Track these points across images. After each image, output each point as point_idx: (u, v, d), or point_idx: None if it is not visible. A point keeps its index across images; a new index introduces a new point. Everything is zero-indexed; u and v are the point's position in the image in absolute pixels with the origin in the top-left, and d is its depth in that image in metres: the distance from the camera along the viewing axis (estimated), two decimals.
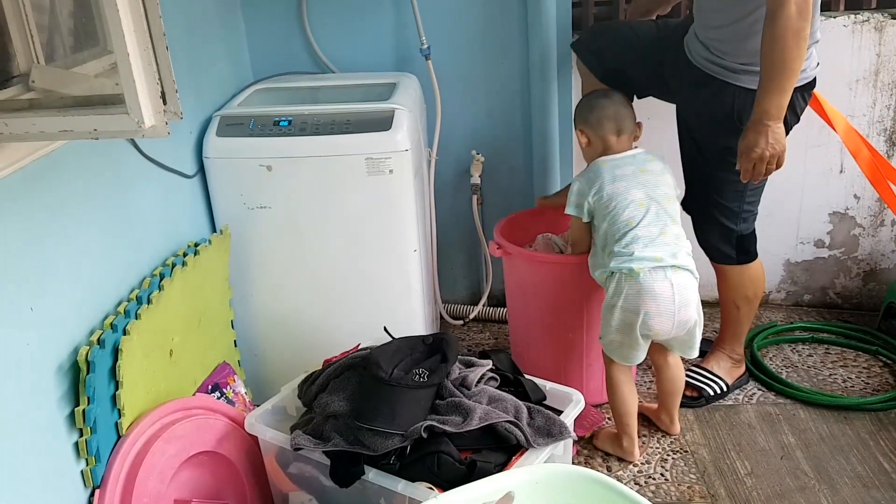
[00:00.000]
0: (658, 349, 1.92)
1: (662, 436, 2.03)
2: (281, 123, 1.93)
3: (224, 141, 1.92)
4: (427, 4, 2.32)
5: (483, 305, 2.64)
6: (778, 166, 1.79)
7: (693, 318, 1.81)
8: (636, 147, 1.96)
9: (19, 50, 1.37)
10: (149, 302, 1.57)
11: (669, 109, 2.09)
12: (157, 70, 1.05)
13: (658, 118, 2.16)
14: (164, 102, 1.07)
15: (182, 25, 1.89)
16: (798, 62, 1.68)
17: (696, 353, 1.89)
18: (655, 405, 2.06)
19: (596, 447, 2.00)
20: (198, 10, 2.04)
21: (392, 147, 1.91)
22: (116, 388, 1.46)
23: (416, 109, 2.09)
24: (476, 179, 2.50)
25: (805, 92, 1.89)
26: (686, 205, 2.06)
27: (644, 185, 1.85)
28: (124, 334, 1.47)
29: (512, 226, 2.24)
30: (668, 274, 1.76)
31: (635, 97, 2.12)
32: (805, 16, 1.64)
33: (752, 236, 2.05)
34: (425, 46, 2.33)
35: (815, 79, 1.90)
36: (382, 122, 1.92)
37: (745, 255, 2.05)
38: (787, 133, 1.82)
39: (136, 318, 1.52)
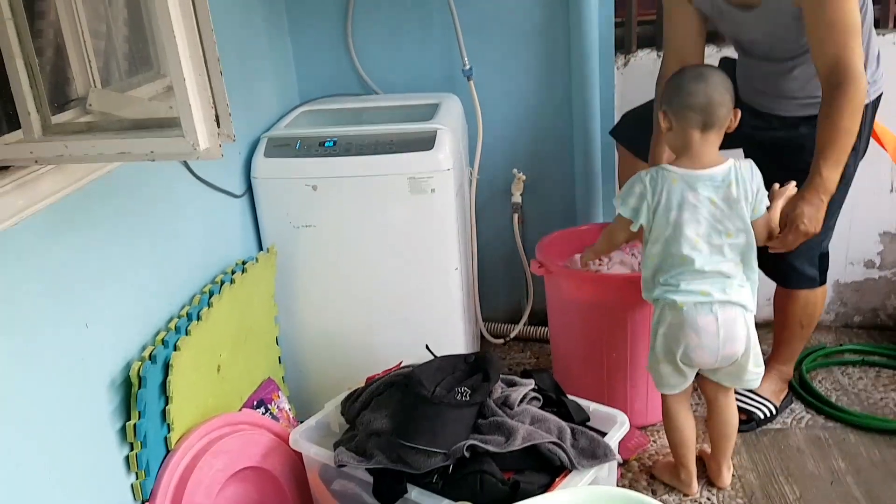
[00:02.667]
0: (709, 384, 1.82)
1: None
2: (326, 144, 1.97)
3: (271, 162, 1.96)
4: (469, 27, 2.35)
5: (524, 324, 2.63)
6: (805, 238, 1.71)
7: (739, 351, 1.71)
8: (723, 156, 1.73)
9: (77, 74, 1.42)
10: (198, 318, 1.61)
11: None
12: (211, 94, 1.08)
13: None
14: (218, 125, 1.10)
15: (233, 49, 1.95)
16: (855, 135, 1.65)
17: (748, 385, 1.79)
18: (710, 450, 1.95)
19: (652, 476, 1.96)
20: (248, 34, 2.10)
21: (434, 166, 1.93)
22: (166, 403, 1.49)
23: (458, 129, 2.11)
24: (517, 198, 2.50)
25: (875, 105, 1.87)
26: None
27: (712, 219, 1.68)
28: (175, 350, 1.50)
29: (554, 244, 2.23)
30: (714, 309, 1.67)
31: None
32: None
33: (828, 253, 2.02)
34: (467, 67, 2.35)
35: (882, 92, 1.88)
36: (425, 142, 1.94)
37: (825, 273, 2.02)
38: (865, 150, 1.84)
39: (187, 334, 1.55)
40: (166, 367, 1.48)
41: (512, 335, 2.63)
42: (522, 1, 2.35)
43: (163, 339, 1.51)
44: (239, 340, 1.79)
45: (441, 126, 1.99)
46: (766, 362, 2.16)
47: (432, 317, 2.05)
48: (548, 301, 2.25)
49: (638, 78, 2.36)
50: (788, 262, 1.98)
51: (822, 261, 2.01)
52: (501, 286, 2.69)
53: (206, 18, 1.08)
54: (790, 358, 2.14)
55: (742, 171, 1.69)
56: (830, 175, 1.66)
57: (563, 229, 2.32)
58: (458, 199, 2.05)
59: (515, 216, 2.52)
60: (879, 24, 2.34)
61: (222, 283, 1.75)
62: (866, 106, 1.77)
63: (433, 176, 1.93)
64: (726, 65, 2.05)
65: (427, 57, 2.43)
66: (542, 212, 2.54)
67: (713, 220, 1.69)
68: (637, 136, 2.04)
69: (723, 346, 1.69)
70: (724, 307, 1.68)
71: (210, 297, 1.68)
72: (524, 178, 2.48)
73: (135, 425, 1.41)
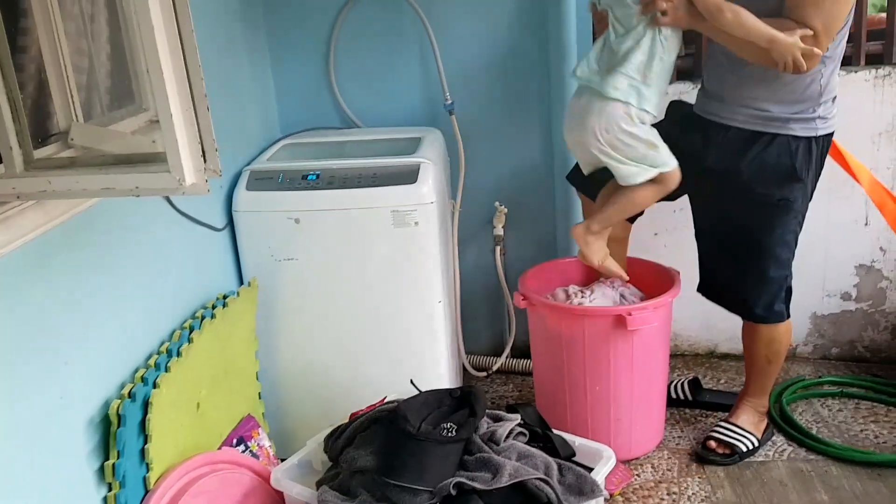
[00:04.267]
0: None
1: (694, 493, 1.98)
2: (309, 177, 1.96)
3: (253, 195, 1.95)
4: (450, 61, 2.38)
5: (506, 357, 2.63)
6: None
7: (590, 143, 1.81)
8: None
9: (59, 108, 1.41)
10: (178, 354, 1.58)
11: None
12: (198, 129, 1.08)
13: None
14: (205, 160, 1.09)
15: (217, 81, 1.94)
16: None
17: (623, 181, 1.85)
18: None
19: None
20: (231, 68, 2.10)
21: (418, 200, 1.93)
22: (145, 442, 1.45)
23: (440, 163, 2.12)
24: (499, 231, 2.51)
25: (826, 142, 1.90)
26: (723, 288, 2.05)
27: None
28: (155, 387, 1.47)
29: (536, 277, 2.24)
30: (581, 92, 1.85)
31: None
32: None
33: (791, 287, 2.04)
34: (449, 102, 2.37)
35: (833, 131, 1.92)
36: (408, 176, 1.95)
37: (789, 306, 2.04)
38: (815, 184, 1.90)
39: (167, 371, 1.52)
40: (146, 405, 1.45)
41: (494, 368, 2.62)
42: (503, 35, 2.38)
43: (142, 377, 1.48)
44: (219, 376, 1.76)
45: (424, 160, 1.99)
46: (741, 395, 2.18)
47: (416, 351, 2.04)
48: (530, 334, 2.25)
49: None
50: (755, 304, 2.00)
51: (789, 293, 2.02)
52: (484, 319, 2.68)
53: (193, 53, 1.08)
54: (762, 391, 2.15)
55: None
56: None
57: (545, 262, 2.33)
58: (442, 233, 2.05)
59: (497, 249, 2.52)
60: (851, 61, 2.41)
61: (203, 317, 1.73)
62: (814, 140, 1.84)
63: (417, 209, 1.93)
64: (678, 107, 2.10)
65: (408, 91, 2.45)
66: (524, 244, 2.55)
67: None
68: (587, 181, 2.05)
69: (574, 129, 1.86)
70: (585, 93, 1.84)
71: (190, 332, 1.66)
72: (506, 210, 2.49)
73: (113, 465, 1.37)
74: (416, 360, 2.03)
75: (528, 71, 2.40)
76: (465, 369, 2.59)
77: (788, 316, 2.04)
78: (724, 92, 1.93)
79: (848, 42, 2.45)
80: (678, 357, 2.66)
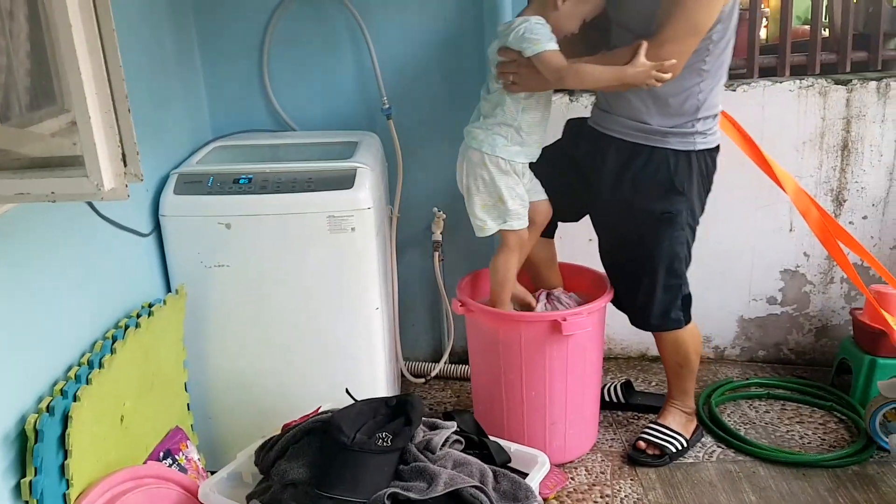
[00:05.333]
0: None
1: (626, 495, 2.01)
2: (241, 181, 1.91)
3: (181, 199, 1.89)
4: (388, 64, 2.36)
5: (445, 363, 2.62)
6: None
7: (460, 187, 2.01)
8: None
9: None
10: (100, 366, 1.52)
11: None
12: (118, 132, 1.03)
13: None
14: (125, 165, 1.05)
15: (141, 82, 1.88)
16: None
17: (476, 233, 2.00)
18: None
19: None
20: (157, 67, 2.03)
21: (354, 205, 1.90)
22: (65, 458, 1.39)
23: (377, 168, 2.09)
24: (437, 237, 2.50)
25: (709, 157, 1.95)
26: (624, 298, 2.10)
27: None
28: (75, 400, 1.40)
29: (474, 283, 2.24)
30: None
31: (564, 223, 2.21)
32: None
33: (690, 294, 2.09)
34: (387, 106, 2.35)
35: (719, 145, 1.97)
36: (345, 181, 1.92)
37: (689, 313, 2.08)
38: (706, 197, 1.98)
39: (88, 384, 1.46)
40: (65, 420, 1.38)
41: (433, 374, 2.61)
42: (440, 36, 2.38)
43: (61, 390, 1.41)
44: (144, 388, 1.70)
45: (361, 164, 1.97)
46: (666, 398, 2.23)
47: (352, 358, 2.01)
48: (468, 340, 2.24)
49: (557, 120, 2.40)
50: (652, 313, 2.05)
51: (687, 300, 2.07)
52: (422, 325, 2.67)
53: (113, 52, 1.03)
54: (683, 393, 2.20)
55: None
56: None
57: (484, 268, 2.32)
58: (379, 238, 2.03)
59: (436, 254, 2.51)
60: (776, 72, 2.49)
61: (126, 327, 1.66)
62: (693, 154, 1.90)
63: (353, 215, 1.90)
64: (577, 122, 2.15)
65: (345, 94, 2.42)
66: (463, 250, 2.55)
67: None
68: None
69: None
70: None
71: (113, 342, 1.59)
72: (444, 216, 2.49)
73: (30, 482, 1.30)
74: (352, 368, 2.00)
75: (467, 73, 2.40)
76: (403, 376, 2.58)
77: (688, 321, 2.08)
78: (609, 104, 1.99)
79: (773, 54, 2.55)
80: (611, 360, 2.70)
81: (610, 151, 1.98)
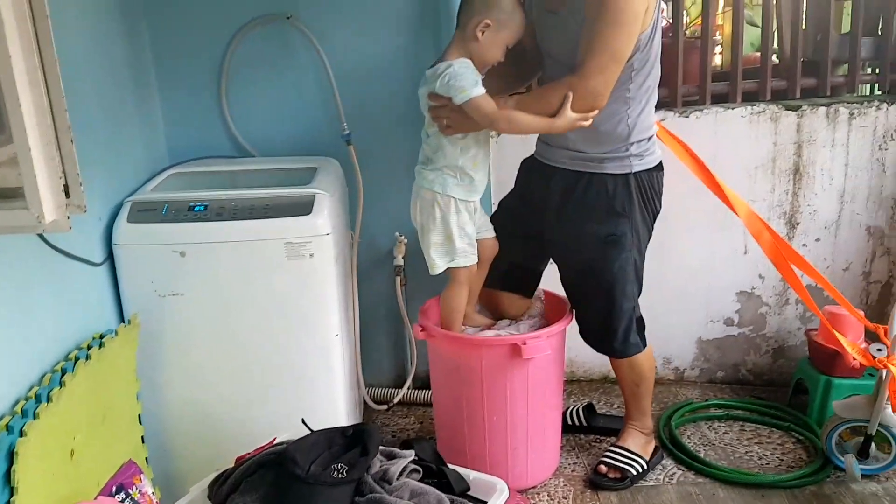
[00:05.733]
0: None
1: None
2: (196, 208, 1.89)
3: (135, 227, 1.86)
4: (347, 89, 2.36)
5: (408, 388, 2.60)
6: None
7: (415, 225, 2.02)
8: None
9: None
10: (48, 400, 1.47)
11: None
12: (61, 163, 1.02)
13: None
14: (67, 196, 1.03)
15: (95, 110, 1.85)
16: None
17: (430, 270, 2.01)
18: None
19: None
20: (112, 92, 2.00)
21: (313, 231, 1.89)
22: (11, 495, 1.34)
23: (337, 193, 2.09)
24: (399, 261, 2.50)
25: (649, 178, 1.98)
26: (585, 324, 2.12)
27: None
28: (21, 435, 1.36)
29: (436, 308, 2.23)
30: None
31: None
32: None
33: (642, 317, 2.11)
34: (346, 132, 2.35)
35: (661, 164, 2.02)
36: (303, 207, 1.91)
37: (644, 335, 2.11)
38: (651, 218, 2.02)
39: (35, 418, 1.42)
40: (11, 456, 1.34)
41: (395, 400, 2.59)
42: (399, 62, 2.37)
43: (7, 425, 1.37)
44: (95, 421, 1.65)
45: (319, 190, 1.96)
46: (625, 419, 2.24)
47: (311, 387, 1.98)
48: (430, 365, 2.23)
49: (509, 147, 2.42)
50: (613, 338, 2.06)
51: (641, 323, 2.10)
52: (385, 350, 2.65)
53: (56, 83, 1.02)
54: (641, 413, 2.21)
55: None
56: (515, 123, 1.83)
57: None
58: (339, 264, 2.01)
59: (398, 279, 2.50)
60: (728, 98, 2.54)
61: (77, 359, 1.62)
62: (631, 176, 1.94)
63: (311, 241, 1.89)
64: (529, 159, 2.19)
65: (305, 119, 2.41)
66: (425, 275, 2.53)
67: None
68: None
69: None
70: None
71: (62, 375, 1.55)
72: (406, 241, 2.48)
73: None
74: (311, 397, 1.98)
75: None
76: (365, 403, 2.55)
77: (645, 345, 2.11)
78: (548, 137, 2.04)
79: (725, 80, 2.60)
80: (574, 383, 2.71)
81: (554, 180, 2.02)
